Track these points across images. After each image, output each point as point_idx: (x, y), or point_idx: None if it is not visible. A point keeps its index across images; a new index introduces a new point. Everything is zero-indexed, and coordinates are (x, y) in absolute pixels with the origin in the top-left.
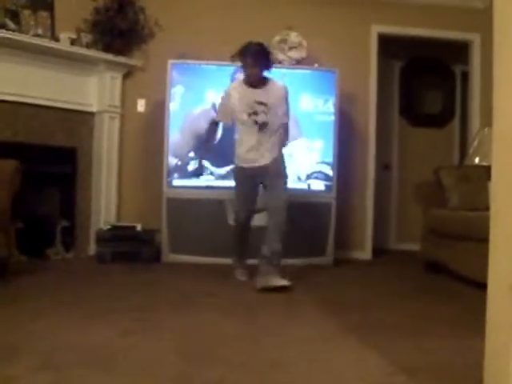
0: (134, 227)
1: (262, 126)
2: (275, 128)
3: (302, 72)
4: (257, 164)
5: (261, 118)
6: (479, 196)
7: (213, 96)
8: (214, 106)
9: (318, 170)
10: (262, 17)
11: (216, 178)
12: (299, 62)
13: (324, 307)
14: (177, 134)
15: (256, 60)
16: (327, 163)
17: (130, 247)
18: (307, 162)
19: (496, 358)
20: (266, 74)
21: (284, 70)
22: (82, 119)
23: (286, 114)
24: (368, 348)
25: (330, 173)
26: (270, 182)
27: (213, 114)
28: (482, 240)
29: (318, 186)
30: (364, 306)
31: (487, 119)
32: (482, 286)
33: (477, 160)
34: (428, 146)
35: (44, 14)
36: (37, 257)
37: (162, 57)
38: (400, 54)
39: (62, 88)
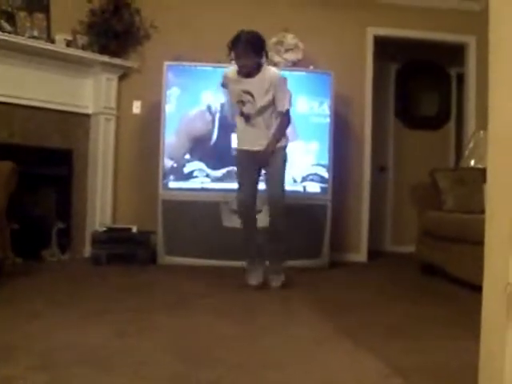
0: (129, 229)
1: (248, 118)
2: (266, 118)
3: (297, 74)
4: (253, 148)
5: (246, 109)
6: (474, 198)
7: (208, 98)
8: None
9: (313, 172)
10: (258, 19)
11: (212, 181)
12: (295, 64)
13: (320, 309)
14: (172, 136)
15: (246, 51)
16: (323, 165)
17: (126, 249)
18: (303, 164)
19: (491, 359)
20: (261, 61)
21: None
22: (77, 121)
23: (283, 101)
24: (364, 350)
25: (326, 175)
26: (265, 172)
27: (208, 116)
28: (478, 242)
29: (314, 188)
30: (360, 308)
31: (483, 121)
32: (478, 288)
33: (472, 162)
34: (424, 148)
35: (40, 15)
36: (32, 258)
37: (157, 58)
38: (396, 57)
39: (58, 90)
